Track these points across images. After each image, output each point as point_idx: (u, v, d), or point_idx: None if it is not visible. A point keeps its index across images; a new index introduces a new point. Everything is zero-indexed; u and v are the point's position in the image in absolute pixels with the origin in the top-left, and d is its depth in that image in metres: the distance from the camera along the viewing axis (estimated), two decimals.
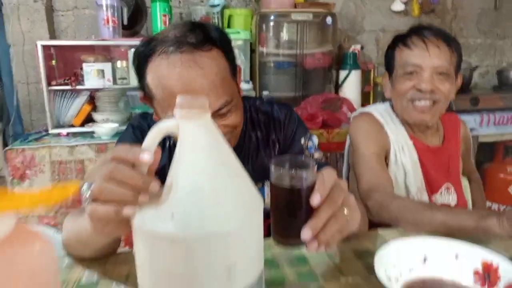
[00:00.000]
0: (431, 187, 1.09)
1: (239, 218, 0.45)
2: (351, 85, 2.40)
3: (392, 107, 1.15)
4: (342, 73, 2.42)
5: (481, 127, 2.35)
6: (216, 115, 0.75)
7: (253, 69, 2.30)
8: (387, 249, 0.62)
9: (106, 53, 2.18)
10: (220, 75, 0.75)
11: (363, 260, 0.70)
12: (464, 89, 2.51)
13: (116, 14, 2.07)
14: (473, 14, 2.79)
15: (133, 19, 2.28)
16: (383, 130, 1.09)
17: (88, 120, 2.18)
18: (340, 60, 2.49)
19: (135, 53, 0.78)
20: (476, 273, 0.60)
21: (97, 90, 2.16)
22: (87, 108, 2.15)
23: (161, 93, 0.74)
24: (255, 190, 0.49)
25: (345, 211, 0.54)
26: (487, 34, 2.84)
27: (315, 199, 0.51)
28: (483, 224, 0.74)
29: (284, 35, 2.26)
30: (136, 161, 0.45)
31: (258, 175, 0.90)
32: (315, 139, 0.95)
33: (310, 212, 0.53)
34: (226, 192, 0.45)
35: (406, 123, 1.11)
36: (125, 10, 2.15)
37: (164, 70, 0.72)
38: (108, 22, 2.04)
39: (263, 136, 0.94)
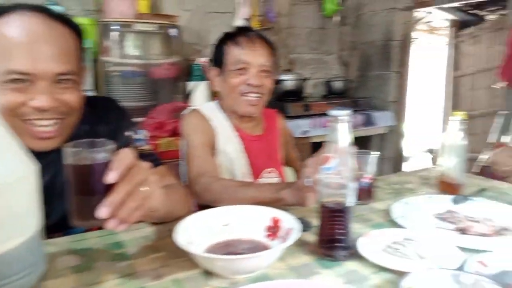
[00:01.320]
0: (255, 172, 1.22)
1: (15, 172, 0.50)
2: (199, 95, 2.51)
3: (219, 104, 1.26)
4: (191, 84, 2.51)
5: (314, 129, 2.69)
6: (57, 82, 0.76)
7: (98, 78, 2.23)
8: (190, 218, 0.68)
9: None
10: (70, 48, 0.79)
11: None
12: (298, 97, 2.86)
13: None
14: (304, 32, 3.21)
15: None
16: (209, 124, 1.19)
17: None
18: (189, 71, 2.58)
19: None
20: (267, 228, 0.71)
21: None
22: None
23: (5, 42, 0.72)
24: (27, 158, 0.53)
25: (144, 189, 0.58)
26: (316, 50, 3.29)
27: (110, 176, 0.54)
28: (278, 195, 0.85)
29: (129, 45, 2.25)
30: None
31: None
32: (144, 132, 0.98)
33: (108, 191, 0.55)
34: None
35: (233, 116, 1.22)
36: None
37: (17, 20, 0.73)
38: None
39: (89, 130, 0.89)
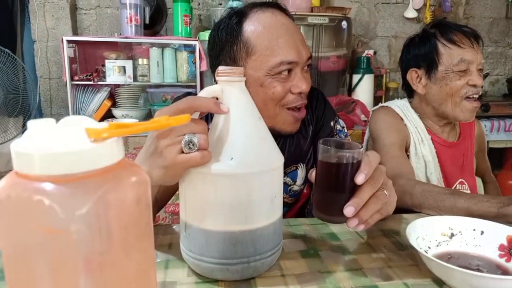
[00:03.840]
0: (447, 182, 1.13)
1: (277, 160, 0.58)
2: (364, 89, 2.46)
3: (411, 104, 1.19)
4: (355, 77, 2.47)
5: (492, 133, 2.39)
6: (305, 66, 0.84)
7: None
8: (416, 224, 0.66)
9: (127, 50, 2.25)
10: (303, 36, 0.87)
11: (390, 238, 0.74)
12: None
13: (138, 13, 2.14)
14: (484, 23, 2.84)
15: (154, 19, 2.35)
16: (403, 123, 1.13)
17: (108, 116, 2.24)
18: (354, 64, 2.54)
19: (222, 23, 0.85)
20: (501, 247, 0.64)
21: (117, 86, 2.22)
22: (107, 103, 2.21)
23: (265, 39, 0.80)
24: (279, 151, 0.60)
25: (386, 193, 0.59)
26: (498, 43, 2.89)
27: (360, 178, 0.56)
28: (505, 211, 0.77)
29: None
30: (214, 112, 0.54)
31: (294, 158, 0.95)
32: (342, 123, 1.00)
33: (353, 190, 0.57)
34: (266, 140, 0.58)
35: (429, 119, 1.15)
36: (147, 10, 2.21)
37: (267, 18, 0.81)
38: (131, 20, 2.11)
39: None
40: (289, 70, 0.81)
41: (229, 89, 0.57)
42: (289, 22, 0.83)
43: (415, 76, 1.16)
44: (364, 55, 2.50)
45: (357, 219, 0.57)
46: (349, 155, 0.58)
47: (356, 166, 0.57)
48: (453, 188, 1.14)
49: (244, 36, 0.81)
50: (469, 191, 1.17)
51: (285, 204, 1.00)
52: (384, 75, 2.59)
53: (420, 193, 0.91)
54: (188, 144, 0.52)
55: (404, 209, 0.91)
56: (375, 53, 2.67)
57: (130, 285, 0.33)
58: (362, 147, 0.60)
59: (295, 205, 1.02)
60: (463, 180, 1.17)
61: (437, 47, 1.10)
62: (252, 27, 0.81)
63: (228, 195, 0.54)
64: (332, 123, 0.98)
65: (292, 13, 2.39)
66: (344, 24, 2.29)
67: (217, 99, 0.57)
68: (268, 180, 0.56)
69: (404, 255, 0.68)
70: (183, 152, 0.53)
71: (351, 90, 2.48)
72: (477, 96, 1.09)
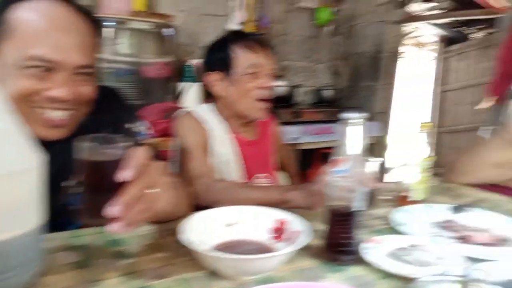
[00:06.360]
0: (249, 176, 1.21)
1: (23, 162, 0.50)
2: (190, 96, 2.49)
3: (215, 107, 1.24)
4: (182, 85, 2.49)
5: (304, 136, 2.70)
6: (75, 74, 0.74)
7: None
8: (192, 218, 0.66)
9: None
10: (90, 41, 0.77)
11: (175, 237, 0.74)
12: (288, 104, 2.87)
13: None
14: (297, 40, 3.23)
15: None
16: (203, 126, 1.17)
17: None
18: (181, 72, 2.56)
19: None
20: (270, 229, 0.70)
21: None
22: None
23: (28, 27, 0.70)
24: (33, 150, 0.52)
25: (153, 191, 0.56)
26: (308, 58, 3.32)
27: (124, 174, 0.52)
28: (286, 196, 0.85)
29: (123, 43, 2.22)
30: None
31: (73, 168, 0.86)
32: (144, 123, 0.95)
33: (119, 188, 0.53)
34: (7, 136, 0.49)
35: (231, 120, 1.21)
36: None
37: (41, 6, 0.71)
38: None
39: (92, 119, 0.84)
40: (50, 70, 0.71)
41: None
42: (70, 20, 0.73)
43: (213, 79, 1.21)
44: (188, 63, 2.54)
45: (120, 222, 0.53)
46: (112, 151, 0.54)
47: (120, 163, 0.53)
48: (252, 179, 1.23)
49: (8, 14, 0.70)
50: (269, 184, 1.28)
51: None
52: None
53: (219, 190, 0.94)
54: None
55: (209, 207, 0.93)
56: (207, 64, 2.74)
57: None
58: (129, 142, 0.57)
59: None
60: (265, 174, 1.27)
61: (232, 52, 1.17)
62: (22, 8, 0.70)
63: None
64: (129, 126, 0.93)
65: (110, 16, 2.25)
66: (168, 31, 2.29)
67: None
68: (6, 185, 0.48)
69: (184, 252, 0.67)
70: None
71: (178, 97, 2.49)
72: (267, 97, 1.19)
